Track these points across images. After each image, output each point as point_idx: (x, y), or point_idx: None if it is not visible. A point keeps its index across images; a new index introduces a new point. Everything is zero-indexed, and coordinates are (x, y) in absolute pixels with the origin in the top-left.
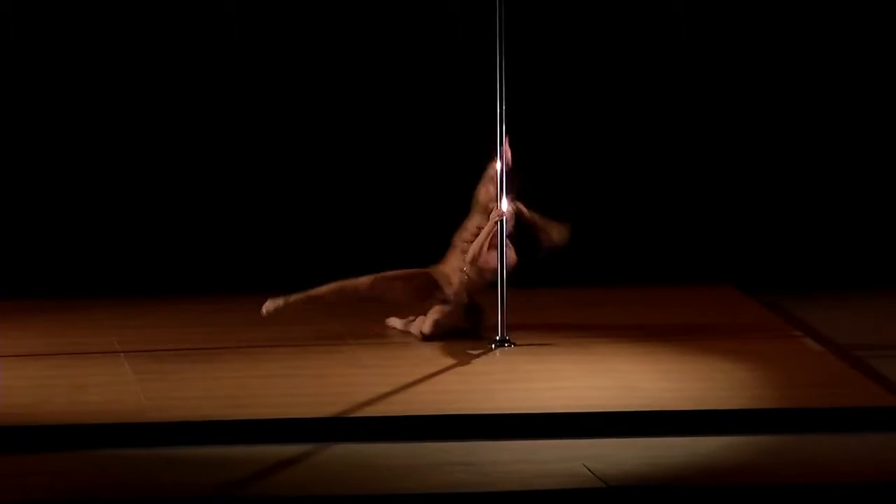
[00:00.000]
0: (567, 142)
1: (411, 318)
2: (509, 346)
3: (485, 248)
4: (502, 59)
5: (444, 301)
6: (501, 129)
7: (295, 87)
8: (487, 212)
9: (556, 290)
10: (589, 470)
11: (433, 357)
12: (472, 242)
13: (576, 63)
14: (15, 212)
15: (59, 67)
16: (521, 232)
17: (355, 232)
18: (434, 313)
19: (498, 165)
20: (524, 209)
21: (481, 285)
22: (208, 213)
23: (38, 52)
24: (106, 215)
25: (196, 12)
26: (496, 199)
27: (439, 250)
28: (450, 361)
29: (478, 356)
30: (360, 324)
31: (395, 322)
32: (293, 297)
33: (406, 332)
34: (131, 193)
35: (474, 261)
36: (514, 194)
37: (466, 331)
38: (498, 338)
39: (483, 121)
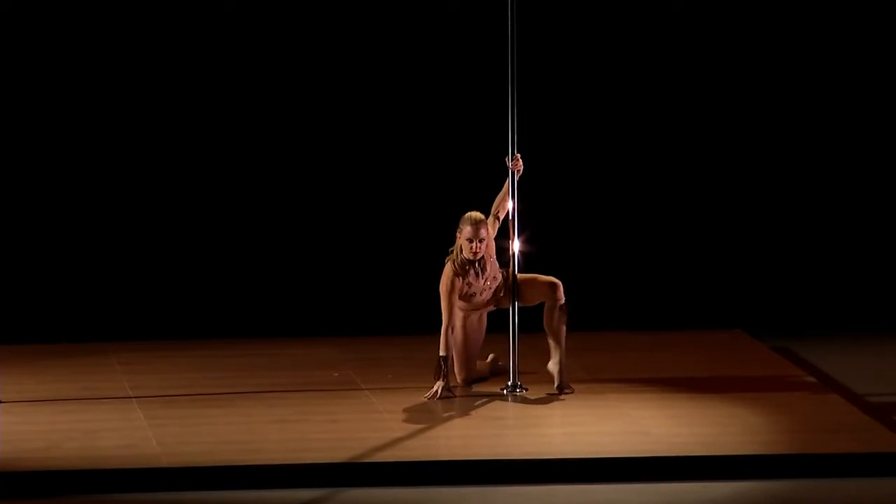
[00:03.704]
0: (577, 187)
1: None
2: (521, 391)
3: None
4: (514, 78)
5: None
6: (513, 139)
7: (310, 126)
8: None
9: (567, 336)
10: None
11: (446, 402)
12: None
13: (586, 110)
14: (26, 256)
15: (78, 108)
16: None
17: (366, 272)
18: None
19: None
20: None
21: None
22: (220, 257)
23: (57, 87)
24: (117, 260)
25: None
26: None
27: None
28: (463, 407)
29: (490, 401)
30: (374, 370)
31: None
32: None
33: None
34: (143, 237)
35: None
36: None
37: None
38: (510, 383)
39: (483, 153)
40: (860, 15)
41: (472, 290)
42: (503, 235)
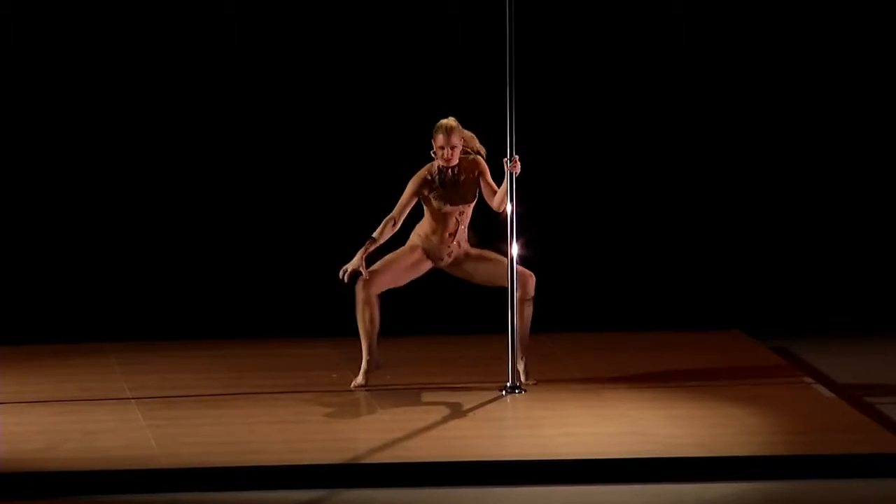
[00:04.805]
0: (575, 188)
1: None
2: (519, 392)
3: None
4: (512, 80)
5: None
6: (511, 139)
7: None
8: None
9: (565, 336)
10: None
11: (444, 403)
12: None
13: (582, 113)
14: (24, 256)
15: (75, 107)
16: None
17: None
18: None
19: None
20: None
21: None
22: (219, 257)
23: (51, 86)
24: (116, 260)
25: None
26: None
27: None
28: (460, 407)
29: (488, 402)
30: (372, 371)
31: None
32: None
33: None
34: (141, 237)
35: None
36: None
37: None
38: (508, 384)
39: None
40: (860, 15)
41: (435, 246)
42: (501, 239)
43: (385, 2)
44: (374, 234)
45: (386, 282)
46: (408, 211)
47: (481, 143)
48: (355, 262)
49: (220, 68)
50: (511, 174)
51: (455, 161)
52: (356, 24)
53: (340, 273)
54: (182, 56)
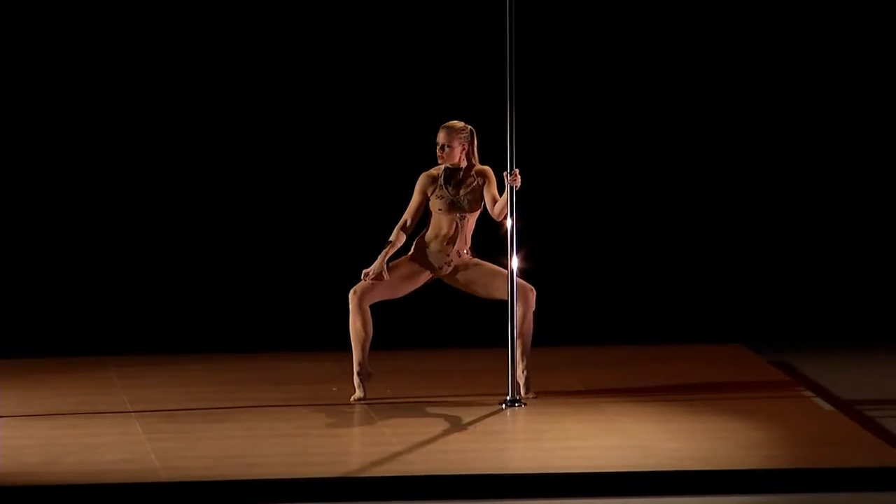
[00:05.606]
0: (574, 198)
1: None
2: (520, 405)
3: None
4: (512, 92)
5: None
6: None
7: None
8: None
9: (565, 349)
10: None
11: (444, 416)
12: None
13: (582, 126)
14: (25, 270)
15: (77, 116)
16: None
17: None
18: None
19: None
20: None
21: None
22: (220, 270)
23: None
24: (117, 273)
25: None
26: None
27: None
28: (460, 421)
29: (488, 416)
30: (373, 384)
31: None
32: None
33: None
34: (142, 251)
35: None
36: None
37: None
38: (508, 397)
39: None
40: (860, 16)
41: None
42: (501, 252)
43: (386, 20)
44: (391, 238)
45: (381, 292)
46: (419, 212)
47: (483, 156)
48: (377, 265)
49: (219, 73)
50: (511, 188)
51: (452, 161)
52: (355, 32)
53: (363, 276)
54: (183, 61)
